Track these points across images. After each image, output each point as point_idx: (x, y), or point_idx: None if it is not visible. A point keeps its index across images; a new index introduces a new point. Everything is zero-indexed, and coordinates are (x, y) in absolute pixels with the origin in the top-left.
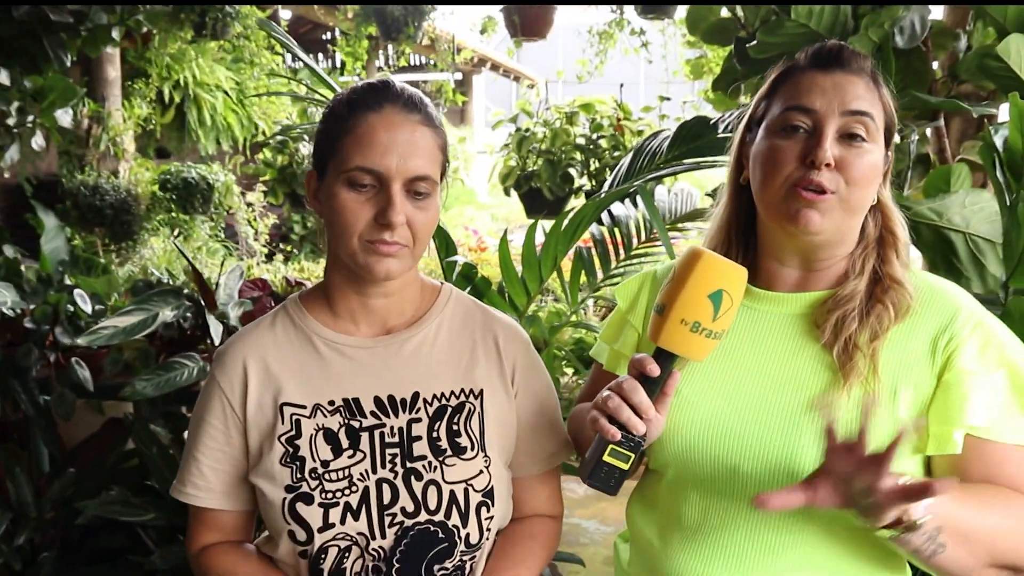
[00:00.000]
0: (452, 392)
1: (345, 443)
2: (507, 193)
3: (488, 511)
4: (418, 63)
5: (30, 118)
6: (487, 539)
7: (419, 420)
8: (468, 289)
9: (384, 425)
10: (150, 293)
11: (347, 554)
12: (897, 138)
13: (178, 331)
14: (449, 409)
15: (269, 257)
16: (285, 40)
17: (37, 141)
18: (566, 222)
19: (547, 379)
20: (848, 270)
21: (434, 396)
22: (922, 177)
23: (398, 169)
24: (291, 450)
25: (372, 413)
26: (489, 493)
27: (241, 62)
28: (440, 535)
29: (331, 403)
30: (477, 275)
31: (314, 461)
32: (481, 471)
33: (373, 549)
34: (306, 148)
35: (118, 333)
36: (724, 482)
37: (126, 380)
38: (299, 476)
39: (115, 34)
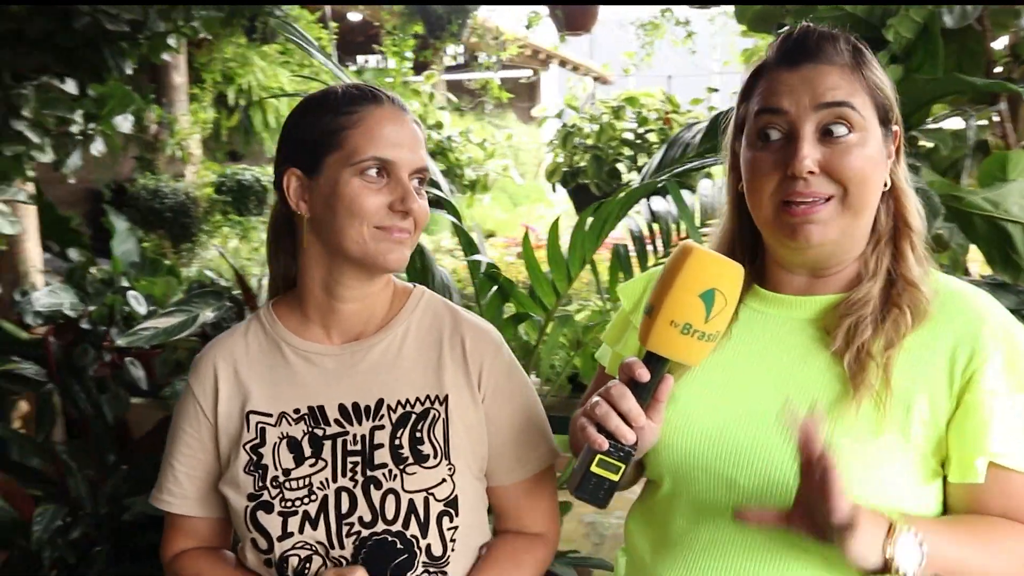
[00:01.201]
0: (417, 399)
1: (308, 451)
2: (554, 189)
3: (452, 521)
4: (470, 61)
5: (91, 125)
6: (453, 551)
7: (382, 427)
8: (494, 290)
9: (347, 433)
10: (192, 295)
11: (308, 563)
12: (952, 123)
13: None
14: (413, 416)
15: None
16: (300, 41)
17: (97, 147)
18: (590, 219)
19: (522, 382)
20: (860, 271)
21: (398, 403)
22: None
23: (408, 160)
24: (255, 458)
25: (336, 421)
26: (452, 503)
27: (290, 63)
28: (399, 545)
29: (296, 411)
30: (500, 275)
31: (276, 469)
32: (444, 480)
33: (334, 557)
34: None
35: (158, 334)
36: (720, 497)
37: (180, 379)
38: (261, 484)
39: (172, 41)
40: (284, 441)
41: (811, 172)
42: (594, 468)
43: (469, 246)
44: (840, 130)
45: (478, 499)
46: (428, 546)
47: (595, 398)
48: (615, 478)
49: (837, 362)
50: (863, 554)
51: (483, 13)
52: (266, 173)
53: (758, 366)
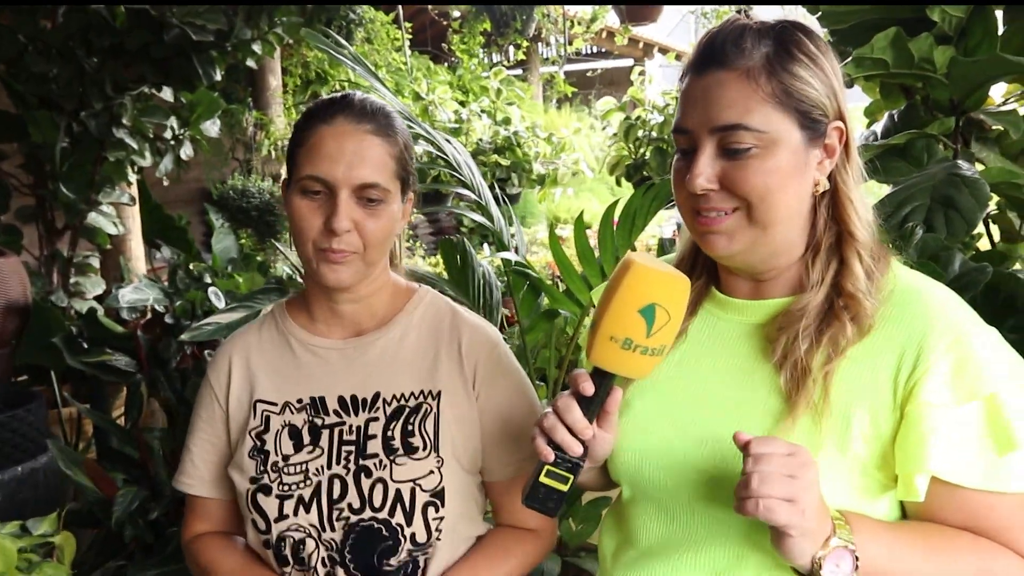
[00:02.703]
0: (412, 393)
1: (307, 439)
2: (618, 183)
3: (437, 511)
4: (593, 51)
5: (182, 131)
6: (437, 538)
7: (376, 419)
8: (525, 286)
9: (344, 423)
10: (256, 291)
11: (302, 545)
12: None
13: None
14: (407, 409)
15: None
16: (330, 50)
17: (186, 151)
18: (617, 214)
19: (518, 382)
20: (803, 279)
21: (393, 396)
22: None
23: (345, 177)
24: (258, 444)
25: (335, 412)
26: (439, 493)
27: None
28: (384, 532)
29: (299, 401)
30: (532, 272)
31: (276, 455)
32: (432, 471)
33: (326, 540)
34: (421, 148)
35: (220, 329)
36: (668, 505)
37: None
38: (262, 468)
39: (257, 48)
40: (286, 429)
41: (710, 189)
42: (543, 479)
43: (500, 244)
44: (737, 147)
45: (468, 492)
46: (413, 534)
47: (547, 409)
48: (564, 488)
49: (777, 375)
50: (792, 554)
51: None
52: None
53: (709, 375)
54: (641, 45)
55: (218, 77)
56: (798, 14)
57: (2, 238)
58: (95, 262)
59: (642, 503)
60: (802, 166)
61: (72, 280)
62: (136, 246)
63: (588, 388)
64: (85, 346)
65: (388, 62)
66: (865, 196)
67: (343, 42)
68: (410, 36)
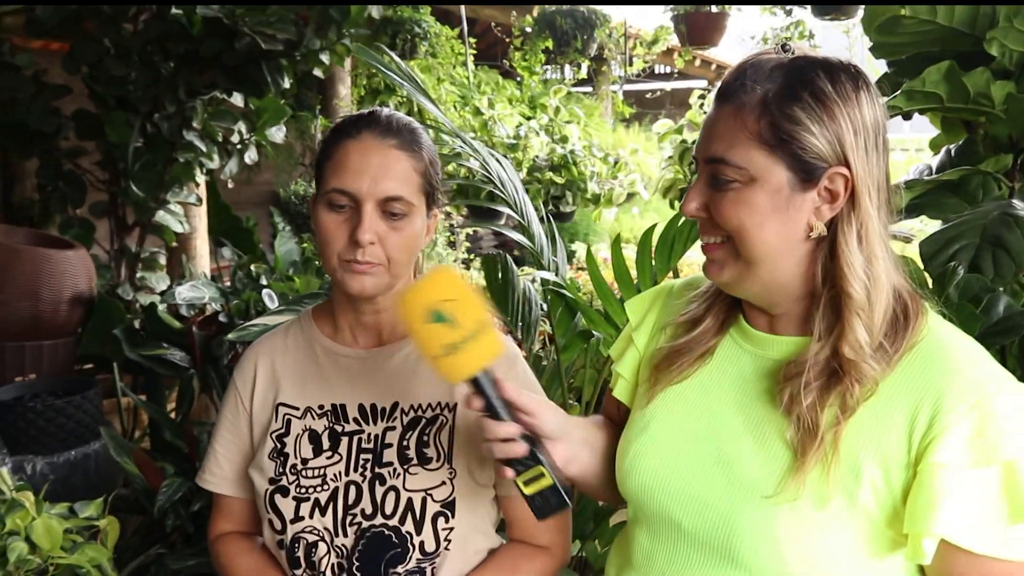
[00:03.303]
0: (429, 404)
1: (326, 444)
2: (671, 206)
3: (447, 522)
4: (666, 71)
5: (248, 135)
6: (446, 548)
7: (394, 428)
8: (562, 306)
9: (363, 431)
10: (304, 295)
11: (315, 548)
12: None
13: None
14: (423, 420)
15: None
16: (380, 66)
17: (250, 156)
18: (656, 238)
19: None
20: (807, 322)
21: (411, 407)
22: None
23: (369, 190)
24: (279, 446)
25: (355, 419)
26: (449, 504)
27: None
28: (394, 540)
29: (321, 407)
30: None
31: (295, 458)
32: (444, 482)
33: (337, 546)
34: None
35: (265, 330)
36: (669, 531)
37: None
38: (281, 471)
39: (324, 58)
40: (306, 433)
41: (698, 216)
42: (527, 491)
43: (538, 263)
44: (721, 179)
45: (480, 505)
46: (422, 543)
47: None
48: (549, 481)
49: (787, 424)
50: None
51: (636, 24)
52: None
53: (727, 410)
54: (714, 67)
55: (286, 85)
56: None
57: (76, 231)
58: (162, 258)
59: (644, 526)
60: (784, 207)
61: (139, 275)
62: (201, 245)
63: (475, 402)
64: (144, 339)
65: (452, 76)
66: (885, 245)
67: (393, 57)
68: (475, 52)
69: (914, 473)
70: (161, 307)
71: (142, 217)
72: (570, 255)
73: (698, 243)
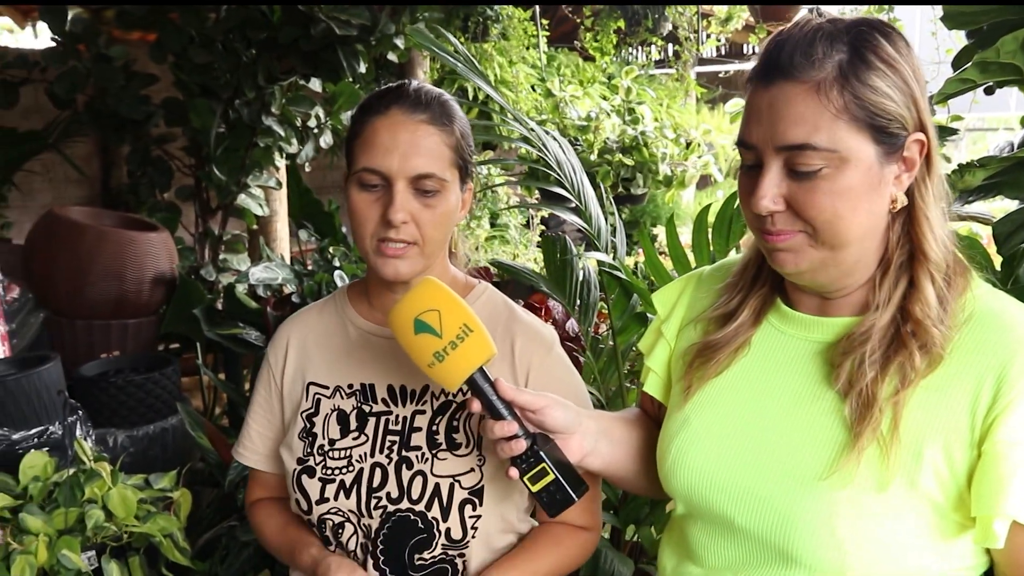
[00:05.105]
0: (460, 390)
1: (353, 425)
2: None
3: (474, 509)
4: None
5: (324, 120)
6: (474, 537)
7: (423, 412)
8: (618, 288)
9: (391, 413)
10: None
11: (341, 529)
12: None
13: None
14: (453, 405)
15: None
16: (435, 49)
17: (325, 140)
18: (712, 217)
19: (572, 384)
20: (869, 298)
21: (442, 391)
22: None
23: (400, 168)
24: (308, 426)
25: (383, 400)
26: (478, 492)
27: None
28: (419, 525)
29: (350, 386)
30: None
31: (323, 438)
32: (472, 469)
33: (364, 526)
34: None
35: None
36: (723, 528)
37: None
38: (308, 451)
39: (399, 42)
40: (335, 413)
41: (775, 211)
42: (534, 488)
43: (595, 245)
44: (805, 168)
45: (508, 492)
46: (448, 530)
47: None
48: (552, 475)
49: (843, 403)
50: None
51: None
52: (495, 165)
53: (770, 396)
54: None
55: (362, 69)
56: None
57: (162, 215)
58: (244, 241)
59: (700, 522)
60: (876, 184)
61: (221, 257)
62: (282, 227)
63: (474, 405)
64: (222, 319)
65: (524, 58)
66: (943, 212)
67: (450, 38)
68: (547, 33)
69: (979, 453)
70: (240, 288)
71: (224, 200)
72: (653, 238)
73: None
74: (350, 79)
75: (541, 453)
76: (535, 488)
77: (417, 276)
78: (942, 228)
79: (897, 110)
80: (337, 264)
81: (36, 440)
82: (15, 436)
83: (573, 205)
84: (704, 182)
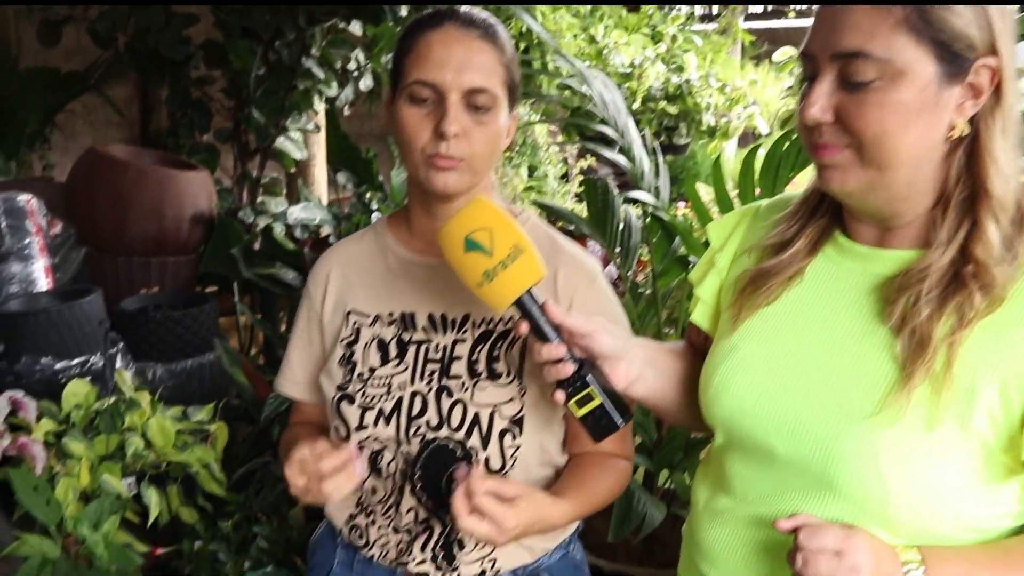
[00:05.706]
0: (501, 318)
1: (393, 353)
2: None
3: (514, 439)
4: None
5: (364, 63)
6: (513, 467)
7: (463, 341)
8: (660, 231)
9: (431, 341)
10: None
11: (380, 456)
12: None
13: None
14: (494, 334)
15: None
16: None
17: (365, 83)
18: (759, 162)
19: (616, 316)
20: (929, 234)
21: (483, 320)
22: None
23: (454, 80)
24: (347, 354)
25: (423, 328)
26: (518, 421)
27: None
28: (458, 453)
29: (391, 315)
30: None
31: (362, 366)
32: (512, 398)
33: (403, 452)
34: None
35: None
36: (763, 458)
37: None
38: (348, 378)
39: None
40: (375, 341)
41: (822, 122)
42: (579, 413)
43: (638, 186)
44: (858, 79)
45: (548, 422)
46: (487, 458)
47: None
48: (598, 400)
49: (895, 339)
50: None
51: None
52: (534, 112)
53: (821, 329)
54: None
55: (403, 12)
56: None
57: (201, 156)
58: (282, 184)
59: (739, 452)
60: (932, 105)
61: (259, 199)
62: (319, 172)
63: (522, 327)
64: (259, 259)
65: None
66: (1018, 150)
67: None
68: None
69: None
70: (278, 229)
71: (263, 143)
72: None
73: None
74: (391, 22)
75: (588, 378)
76: (580, 413)
77: (463, 195)
78: (1011, 166)
79: (965, 28)
80: (375, 207)
81: (78, 370)
82: (58, 365)
83: (617, 147)
84: (746, 140)
